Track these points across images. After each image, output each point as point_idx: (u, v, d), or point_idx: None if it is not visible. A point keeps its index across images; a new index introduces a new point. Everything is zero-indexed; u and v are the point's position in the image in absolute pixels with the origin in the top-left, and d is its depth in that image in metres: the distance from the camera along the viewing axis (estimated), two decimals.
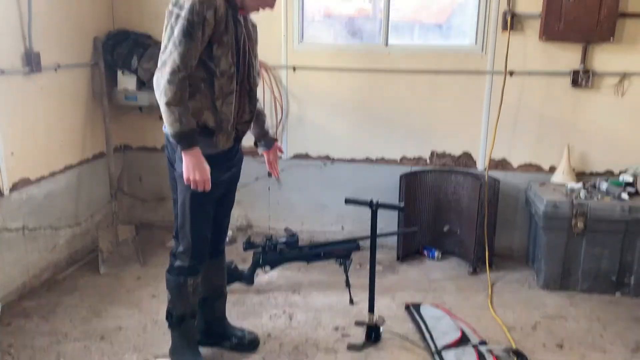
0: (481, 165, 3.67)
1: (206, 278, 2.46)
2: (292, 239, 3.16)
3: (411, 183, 3.61)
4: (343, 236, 3.75)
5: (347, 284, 3.05)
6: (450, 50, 3.59)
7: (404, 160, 3.77)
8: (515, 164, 3.65)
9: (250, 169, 3.59)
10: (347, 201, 2.69)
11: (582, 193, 3.20)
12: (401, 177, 3.57)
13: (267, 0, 2.21)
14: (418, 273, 3.51)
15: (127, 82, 3.71)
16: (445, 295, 3.19)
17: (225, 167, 2.31)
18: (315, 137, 3.83)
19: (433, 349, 2.60)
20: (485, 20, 3.45)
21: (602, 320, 2.94)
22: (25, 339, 2.69)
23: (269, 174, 3.49)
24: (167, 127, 2.07)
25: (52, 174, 3.32)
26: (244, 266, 3.22)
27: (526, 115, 3.54)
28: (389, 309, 3.01)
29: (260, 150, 2.62)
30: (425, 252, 3.74)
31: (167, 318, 2.42)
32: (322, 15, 3.88)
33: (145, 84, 3.65)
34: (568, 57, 3.40)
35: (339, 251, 3.13)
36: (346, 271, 3.06)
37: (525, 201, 3.57)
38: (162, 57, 2.03)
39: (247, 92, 2.26)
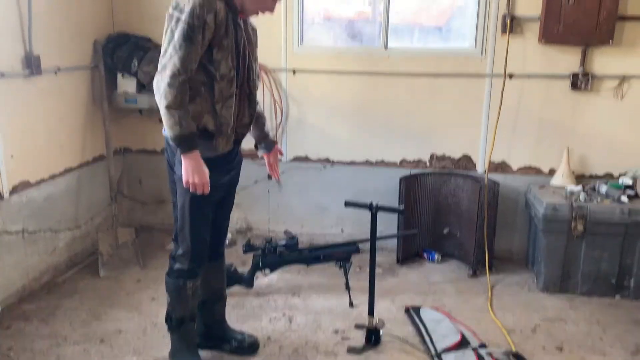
0: (481, 167, 3.67)
1: (206, 281, 2.46)
2: (292, 241, 3.15)
3: (411, 186, 3.61)
4: (343, 239, 3.75)
5: (347, 287, 3.05)
6: (449, 53, 3.60)
7: (403, 162, 3.77)
8: (514, 167, 3.65)
9: (249, 171, 3.59)
10: (347, 204, 2.69)
11: (582, 196, 3.20)
12: (401, 179, 3.57)
13: (267, 4, 2.21)
14: (418, 276, 3.51)
15: (127, 85, 3.71)
16: (445, 298, 3.19)
17: (225, 170, 2.31)
18: (315, 140, 3.83)
19: (433, 352, 2.60)
20: (485, 23, 3.46)
21: (601, 323, 2.93)
22: (25, 341, 2.69)
23: (269, 177, 3.49)
24: (167, 130, 2.07)
25: (52, 177, 3.32)
26: (244, 269, 3.22)
27: (526, 118, 3.54)
28: (389, 311, 3.01)
29: (260, 152, 2.62)
30: (425, 255, 3.74)
31: (166, 321, 2.41)
32: (321, 18, 3.89)
33: (145, 86, 3.66)
34: (567, 60, 3.40)
35: (338, 254, 3.13)
36: (346, 274, 3.06)
37: (524, 204, 3.57)
38: (162, 61, 2.04)
39: (247, 95, 2.27)
